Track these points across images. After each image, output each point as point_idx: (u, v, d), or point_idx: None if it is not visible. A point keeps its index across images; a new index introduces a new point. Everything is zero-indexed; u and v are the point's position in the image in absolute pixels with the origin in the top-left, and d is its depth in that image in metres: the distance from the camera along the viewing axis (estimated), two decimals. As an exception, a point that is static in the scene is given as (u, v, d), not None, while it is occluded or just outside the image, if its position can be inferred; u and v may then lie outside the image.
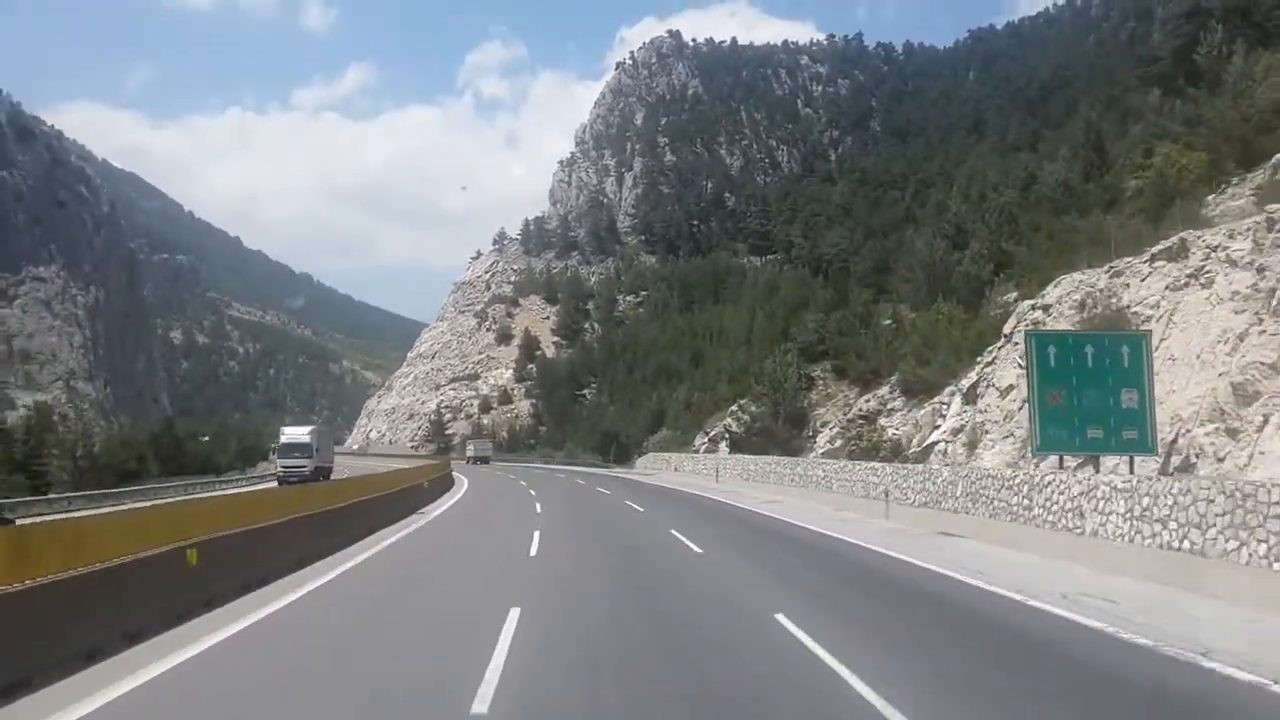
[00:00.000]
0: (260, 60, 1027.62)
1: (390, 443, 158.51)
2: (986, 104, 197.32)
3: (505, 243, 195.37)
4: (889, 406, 43.56)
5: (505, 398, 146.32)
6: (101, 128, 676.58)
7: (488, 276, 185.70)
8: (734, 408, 58.50)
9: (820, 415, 49.66)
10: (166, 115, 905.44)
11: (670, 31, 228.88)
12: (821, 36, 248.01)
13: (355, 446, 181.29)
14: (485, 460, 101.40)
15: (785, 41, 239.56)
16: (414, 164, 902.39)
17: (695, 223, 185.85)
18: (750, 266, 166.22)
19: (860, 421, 44.92)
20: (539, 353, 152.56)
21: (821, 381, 53.09)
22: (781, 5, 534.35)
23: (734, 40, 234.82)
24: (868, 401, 45.57)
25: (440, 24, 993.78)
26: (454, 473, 59.96)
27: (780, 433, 49.65)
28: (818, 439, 46.78)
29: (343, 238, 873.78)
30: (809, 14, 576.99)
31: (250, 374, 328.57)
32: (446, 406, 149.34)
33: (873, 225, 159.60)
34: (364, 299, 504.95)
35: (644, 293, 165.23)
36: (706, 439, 62.05)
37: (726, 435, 58.83)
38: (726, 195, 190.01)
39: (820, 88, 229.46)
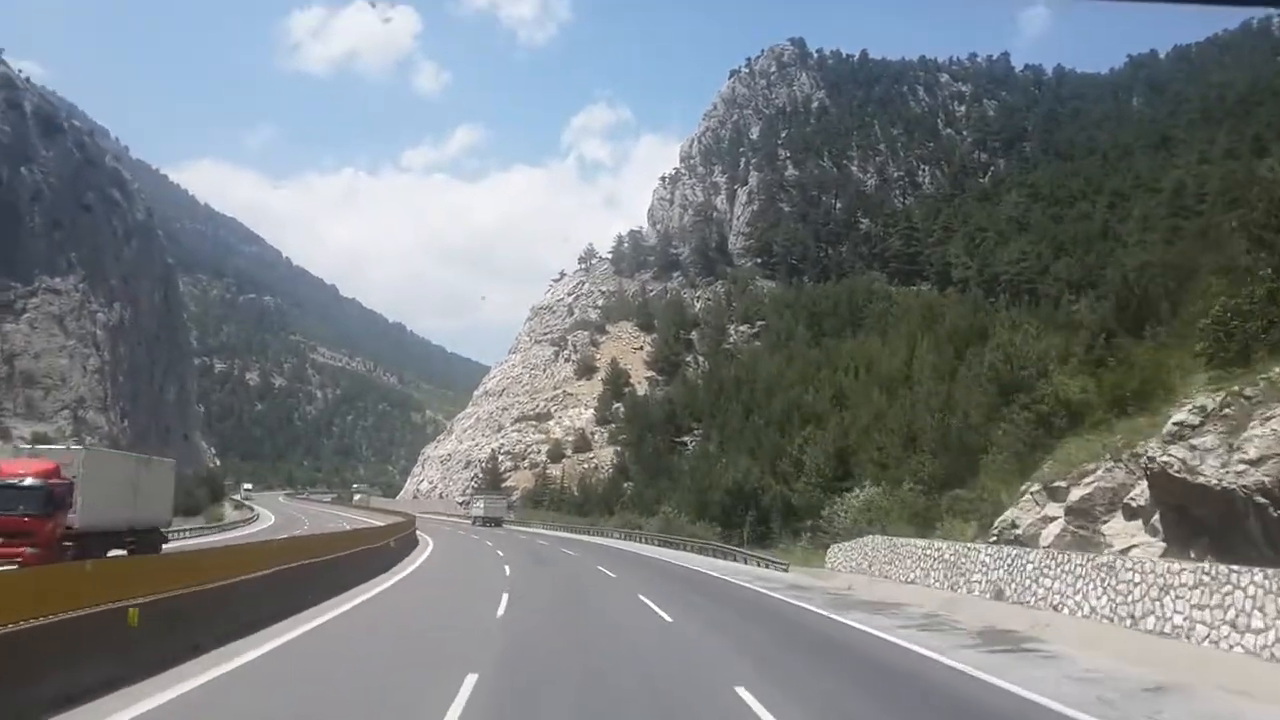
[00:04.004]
0: (374, 122, 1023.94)
1: (441, 495, 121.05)
2: (1170, 122, 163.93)
3: (593, 262, 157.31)
4: None
5: (582, 443, 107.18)
6: (224, 185, 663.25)
7: (570, 300, 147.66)
8: (1205, 402, 17.85)
9: None
10: (284, 175, 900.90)
11: (792, 39, 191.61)
12: (963, 55, 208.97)
13: (356, 498, 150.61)
14: (497, 523, 77.37)
15: (922, 58, 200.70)
16: (517, 224, 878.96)
17: (823, 245, 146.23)
18: (899, 293, 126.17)
19: None
20: (628, 389, 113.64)
21: None
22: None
23: (864, 53, 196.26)
24: None
25: (547, 87, 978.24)
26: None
27: None
28: None
29: (444, 296, 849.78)
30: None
31: (326, 420, 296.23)
32: (507, 452, 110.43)
33: (1061, 240, 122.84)
34: (456, 350, 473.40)
35: (761, 322, 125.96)
36: (1058, 508, 21.75)
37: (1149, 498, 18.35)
38: (860, 216, 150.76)
39: (964, 107, 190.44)
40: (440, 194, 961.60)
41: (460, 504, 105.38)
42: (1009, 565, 19.33)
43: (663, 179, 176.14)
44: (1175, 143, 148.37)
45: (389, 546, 27.80)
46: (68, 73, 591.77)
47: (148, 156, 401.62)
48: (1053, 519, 22.51)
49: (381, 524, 54.46)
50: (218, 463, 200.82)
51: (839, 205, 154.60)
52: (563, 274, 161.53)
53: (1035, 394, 27.68)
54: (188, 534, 52.54)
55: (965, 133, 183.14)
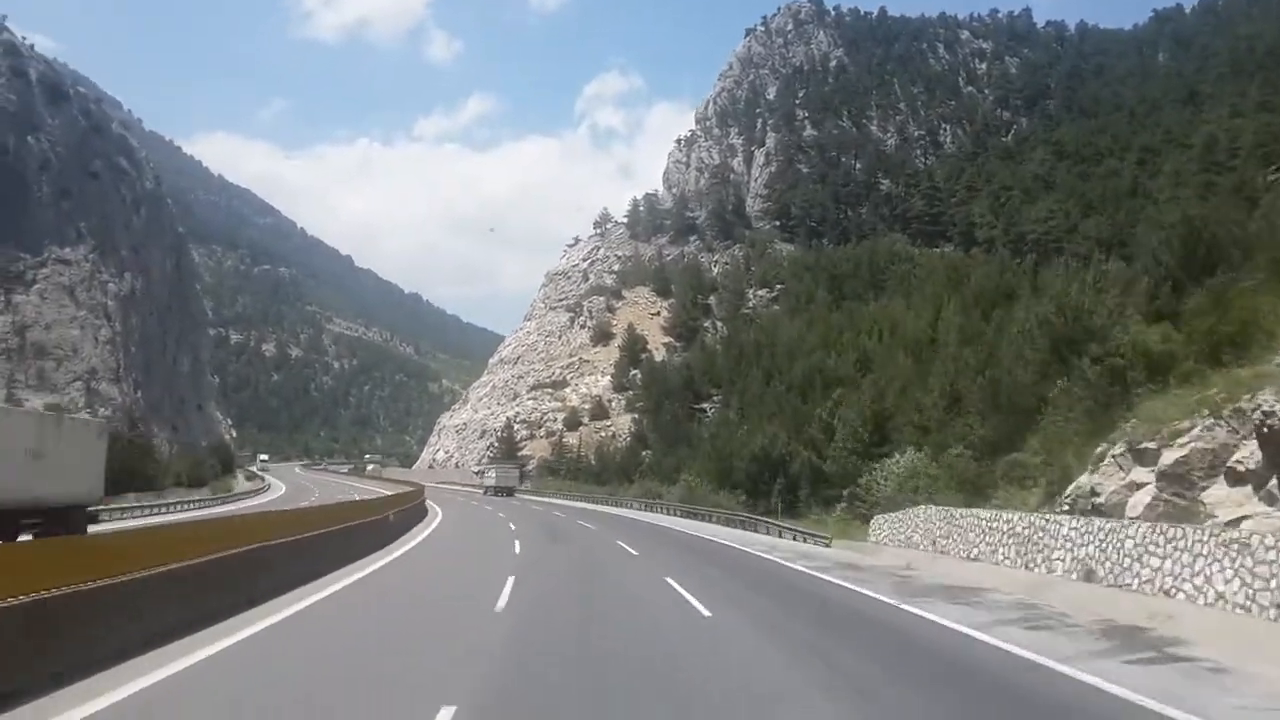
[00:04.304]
0: (386, 91, 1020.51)
1: (457, 465, 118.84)
2: (1198, 77, 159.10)
3: (608, 226, 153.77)
4: None
5: (599, 411, 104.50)
6: (238, 157, 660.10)
7: (585, 265, 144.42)
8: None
9: None
10: (297, 146, 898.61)
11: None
12: (983, 11, 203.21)
13: (370, 468, 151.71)
14: (509, 492, 76.79)
15: (942, 14, 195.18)
16: (531, 193, 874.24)
17: (843, 206, 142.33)
18: (922, 254, 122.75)
19: None
20: (645, 355, 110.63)
21: None
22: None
23: (883, 10, 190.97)
24: None
25: (559, 55, 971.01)
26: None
27: None
28: None
29: (459, 265, 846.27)
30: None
31: (343, 390, 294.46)
32: (522, 420, 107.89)
33: (1089, 198, 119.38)
34: (472, 320, 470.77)
35: (780, 285, 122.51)
36: (1147, 473, 18.82)
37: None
38: (880, 176, 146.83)
39: (985, 65, 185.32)
40: (453, 164, 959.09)
41: (476, 473, 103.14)
42: (1101, 541, 16.38)
43: (678, 141, 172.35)
44: (1204, 97, 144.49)
45: (387, 520, 25.02)
46: (80, 46, 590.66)
47: (161, 129, 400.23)
48: (1140, 485, 19.51)
49: (390, 493, 52.01)
50: (234, 434, 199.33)
51: (859, 166, 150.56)
52: (577, 239, 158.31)
53: (1109, 344, 24.57)
54: (190, 506, 50.25)
55: (987, 91, 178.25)
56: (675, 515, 46.81)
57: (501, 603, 13.83)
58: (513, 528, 33.57)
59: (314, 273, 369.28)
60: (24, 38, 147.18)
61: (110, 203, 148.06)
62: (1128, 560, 15.42)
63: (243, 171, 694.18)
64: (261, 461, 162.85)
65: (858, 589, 17.25)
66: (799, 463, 45.42)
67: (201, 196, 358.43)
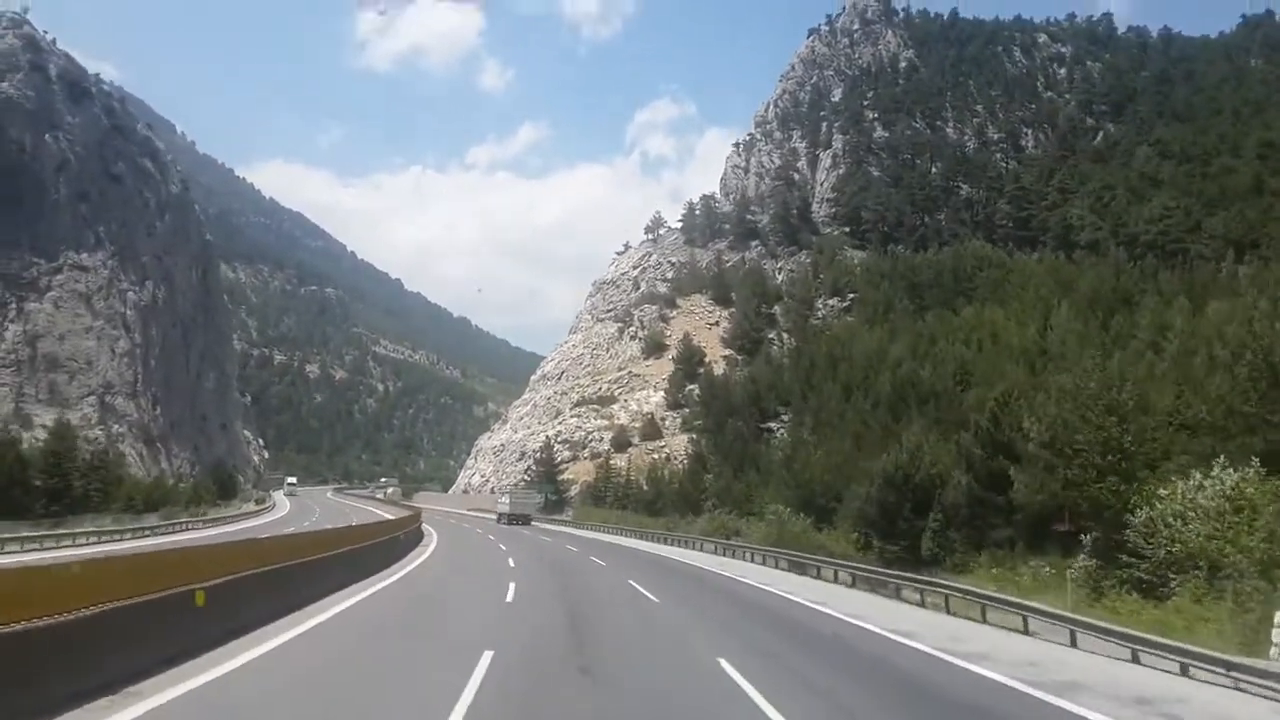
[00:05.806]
0: (440, 120, 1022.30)
1: (493, 490, 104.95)
2: None
3: (662, 232, 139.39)
4: None
5: (651, 430, 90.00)
6: (297, 185, 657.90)
7: (636, 273, 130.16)
8: None
9: None
10: (354, 174, 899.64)
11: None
12: (1059, 16, 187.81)
13: (390, 490, 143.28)
14: (525, 520, 67.23)
15: (1017, 17, 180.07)
16: (581, 220, 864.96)
17: (918, 211, 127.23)
18: (1015, 259, 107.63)
19: None
20: (703, 368, 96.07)
21: None
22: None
23: (954, 11, 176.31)
24: None
25: (611, 83, 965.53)
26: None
27: None
28: None
29: (509, 291, 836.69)
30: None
31: (387, 413, 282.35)
32: (564, 440, 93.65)
33: (1208, 195, 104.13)
34: (520, 344, 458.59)
35: (852, 294, 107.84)
36: None
37: None
38: (959, 179, 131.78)
39: (1064, 69, 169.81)
40: (505, 191, 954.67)
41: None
42: None
43: (736, 145, 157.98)
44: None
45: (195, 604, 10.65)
46: (145, 76, 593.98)
47: (216, 153, 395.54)
48: None
49: (392, 518, 39.51)
50: (266, 454, 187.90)
51: (936, 168, 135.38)
52: (628, 245, 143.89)
53: None
54: (103, 539, 36.73)
55: (1068, 95, 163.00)
56: (774, 566, 31.40)
57: None
58: (509, 598, 18.81)
59: (362, 295, 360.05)
60: (45, 32, 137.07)
61: (132, 207, 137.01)
62: None
63: (300, 199, 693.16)
64: (289, 484, 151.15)
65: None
66: (952, 487, 30.15)
67: (252, 219, 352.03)
